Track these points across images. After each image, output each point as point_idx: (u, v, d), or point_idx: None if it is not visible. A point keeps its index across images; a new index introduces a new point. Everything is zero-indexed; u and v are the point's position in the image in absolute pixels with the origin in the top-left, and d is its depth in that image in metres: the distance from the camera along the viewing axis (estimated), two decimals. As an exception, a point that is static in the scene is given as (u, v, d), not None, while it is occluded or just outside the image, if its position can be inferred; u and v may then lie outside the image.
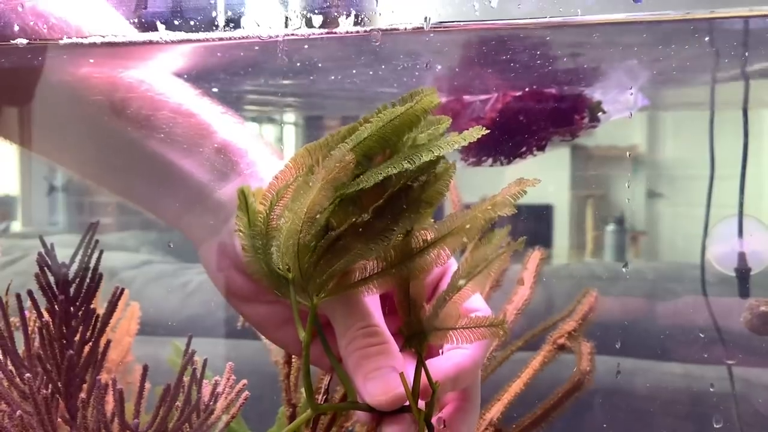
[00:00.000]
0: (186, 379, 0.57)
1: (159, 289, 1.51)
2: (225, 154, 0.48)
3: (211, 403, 0.59)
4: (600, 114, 0.84)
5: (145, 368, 0.56)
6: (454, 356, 0.42)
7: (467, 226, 0.38)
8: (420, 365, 0.40)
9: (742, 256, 0.90)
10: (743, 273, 0.90)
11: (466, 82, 0.87)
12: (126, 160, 0.50)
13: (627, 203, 2.59)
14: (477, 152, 0.84)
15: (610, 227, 2.46)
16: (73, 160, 0.54)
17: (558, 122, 0.83)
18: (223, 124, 0.49)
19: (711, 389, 0.99)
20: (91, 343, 0.57)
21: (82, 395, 0.53)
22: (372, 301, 0.42)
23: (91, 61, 0.53)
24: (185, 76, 0.51)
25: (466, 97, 0.85)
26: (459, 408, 0.44)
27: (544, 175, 0.41)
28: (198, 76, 0.76)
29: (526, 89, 0.83)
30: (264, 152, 0.49)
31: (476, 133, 0.37)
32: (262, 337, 0.51)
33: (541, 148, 0.85)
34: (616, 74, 0.83)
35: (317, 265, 0.38)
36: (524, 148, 0.84)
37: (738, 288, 0.90)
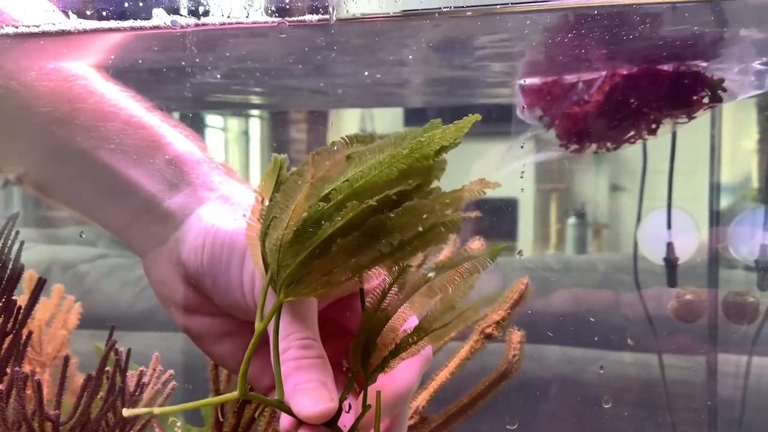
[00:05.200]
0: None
1: (113, 283, 1.51)
2: (176, 166, 0.48)
3: (137, 393, 0.60)
4: (721, 93, 0.77)
5: (66, 359, 0.57)
6: (392, 383, 0.41)
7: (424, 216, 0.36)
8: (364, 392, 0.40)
9: (670, 247, 0.92)
10: (671, 263, 0.92)
11: (563, 63, 0.79)
12: (73, 170, 0.49)
13: (590, 197, 2.61)
14: (580, 138, 0.75)
15: (572, 220, 2.49)
16: (17, 168, 0.54)
17: (674, 103, 0.77)
18: (176, 137, 0.49)
19: (600, 371, 1.01)
20: (12, 336, 0.57)
21: (1, 387, 0.53)
22: (312, 315, 0.42)
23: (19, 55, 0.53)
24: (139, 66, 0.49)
25: (568, 78, 0.77)
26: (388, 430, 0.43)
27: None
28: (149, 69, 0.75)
29: (637, 68, 0.75)
30: (217, 167, 0.49)
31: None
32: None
33: (653, 132, 0.78)
34: (738, 49, 0.76)
35: (291, 263, 0.37)
36: (633, 132, 0.77)
37: (666, 277, 0.92)
